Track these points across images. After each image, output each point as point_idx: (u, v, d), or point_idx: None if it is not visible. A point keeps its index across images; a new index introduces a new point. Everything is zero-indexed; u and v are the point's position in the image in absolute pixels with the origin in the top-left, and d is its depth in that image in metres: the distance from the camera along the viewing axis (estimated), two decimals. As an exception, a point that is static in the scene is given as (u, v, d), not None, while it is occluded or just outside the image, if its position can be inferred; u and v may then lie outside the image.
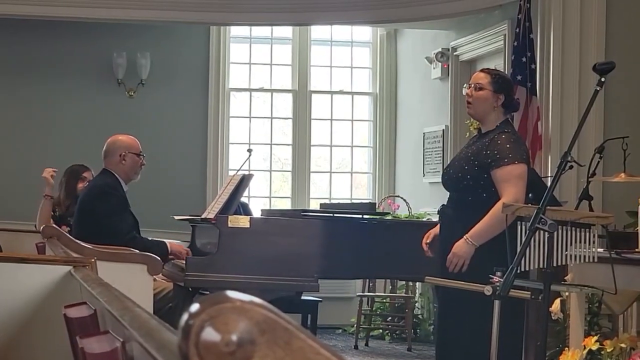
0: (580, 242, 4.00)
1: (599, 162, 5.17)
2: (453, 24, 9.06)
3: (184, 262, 5.82)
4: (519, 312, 4.58)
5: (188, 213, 7.02)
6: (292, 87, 10.40)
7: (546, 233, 3.73)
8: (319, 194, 10.45)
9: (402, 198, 9.62)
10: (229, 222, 5.82)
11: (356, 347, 8.70)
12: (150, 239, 5.91)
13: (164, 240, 6.05)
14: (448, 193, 4.85)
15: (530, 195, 4.52)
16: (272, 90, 10.43)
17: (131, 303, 1.92)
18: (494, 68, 5.60)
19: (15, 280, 3.36)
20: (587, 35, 7.19)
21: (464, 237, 4.50)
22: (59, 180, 7.17)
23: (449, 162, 5.12)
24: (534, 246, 3.86)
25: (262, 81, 10.43)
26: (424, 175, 9.60)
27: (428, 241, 4.82)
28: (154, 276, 4.83)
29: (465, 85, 4.88)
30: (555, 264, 3.90)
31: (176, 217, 6.69)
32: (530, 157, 4.93)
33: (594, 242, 4.03)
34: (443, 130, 9.24)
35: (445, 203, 4.82)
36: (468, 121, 8.22)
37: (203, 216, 6.27)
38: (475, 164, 4.60)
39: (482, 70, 4.86)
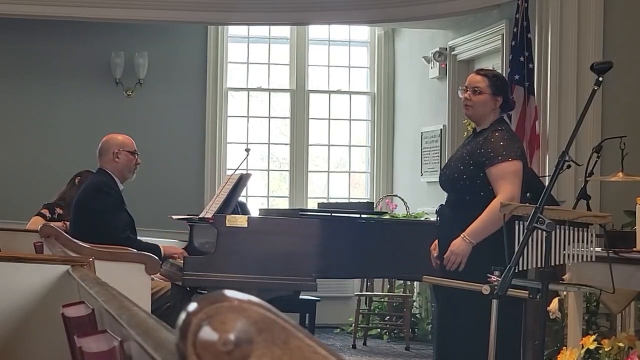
0: (578, 241, 4.00)
1: (596, 161, 5.17)
2: (451, 24, 9.05)
3: (182, 261, 5.82)
4: (517, 312, 4.58)
5: (186, 212, 7.02)
6: (289, 87, 10.39)
7: (544, 232, 3.73)
8: (316, 194, 10.45)
9: (399, 197, 9.62)
10: (226, 222, 5.82)
11: (354, 346, 8.70)
12: (144, 241, 5.82)
13: (157, 244, 5.99)
14: (446, 193, 4.84)
15: (528, 194, 4.52)
16: (269, 90, 10.43)
17: (129, 302, 1.92)
18: (489, 69, 5.59)
19: (13, 279, 3.36)
20: (585, 34, 7.19)
21: (461, 235, 4.51)
22: (68, 182, 7.18)
23: (445, 163, 5.11)
24: (532, 245, 3.86)
25: (259, 81, 10.43)
26: (421, 175, 9.59)
27: (436, 254, 4.80)
28: (152, 275, 4.82)
29: (460, 88, 4.86)
30: (553, 263, 3.90)
31: (174, 217, 6.69)
32: (525, 153, 4.92)
33: (591, 242, 4.03)
34: (441, 129, 9.24)
35: (444, 203, 4.82)
36: (465, 121, 8.21)
37: (201, 215, 6.27)
38: (471, 164, 4.60)
39: (478, 73, 4.83)
